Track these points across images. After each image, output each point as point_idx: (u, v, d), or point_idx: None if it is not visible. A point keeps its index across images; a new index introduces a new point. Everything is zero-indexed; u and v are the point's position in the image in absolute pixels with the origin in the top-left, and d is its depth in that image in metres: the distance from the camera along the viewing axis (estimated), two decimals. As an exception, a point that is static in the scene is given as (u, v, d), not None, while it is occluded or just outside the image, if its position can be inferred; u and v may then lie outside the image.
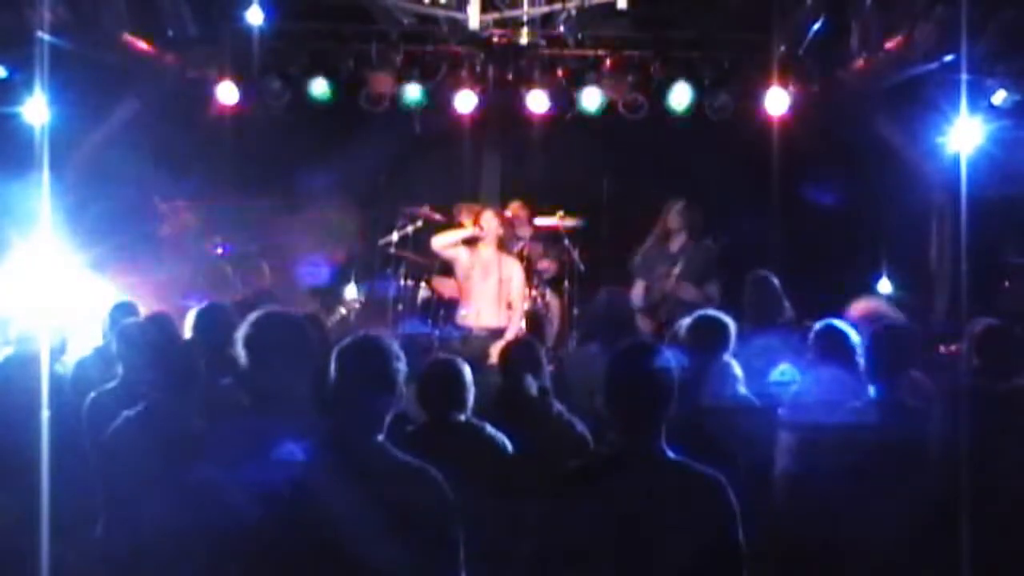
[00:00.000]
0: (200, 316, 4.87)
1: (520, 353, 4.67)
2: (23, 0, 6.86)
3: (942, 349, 6.23)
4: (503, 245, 7.91)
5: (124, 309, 5.53)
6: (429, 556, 2.95)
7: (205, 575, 3.75)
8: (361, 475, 2.96)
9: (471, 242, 7.79)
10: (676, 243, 7.98)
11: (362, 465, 2.99)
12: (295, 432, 3.67)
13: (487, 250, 7.75)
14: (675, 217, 7.95)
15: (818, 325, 4.67)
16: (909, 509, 3.92)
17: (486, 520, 3.33)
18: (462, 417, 4.04)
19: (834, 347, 4.53)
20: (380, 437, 3.04)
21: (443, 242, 7.88)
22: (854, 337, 4.51)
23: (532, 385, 4.48)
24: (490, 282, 7.69)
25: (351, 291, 9.21)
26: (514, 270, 7.81)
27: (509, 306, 7.76)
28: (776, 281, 6.01)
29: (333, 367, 3.06)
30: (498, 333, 7.51)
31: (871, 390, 4.32)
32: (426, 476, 3.03)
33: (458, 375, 4.09)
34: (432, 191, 9.11)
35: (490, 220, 7.76)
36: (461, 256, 7.80)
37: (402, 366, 3.10)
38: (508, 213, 8.97)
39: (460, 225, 8.16)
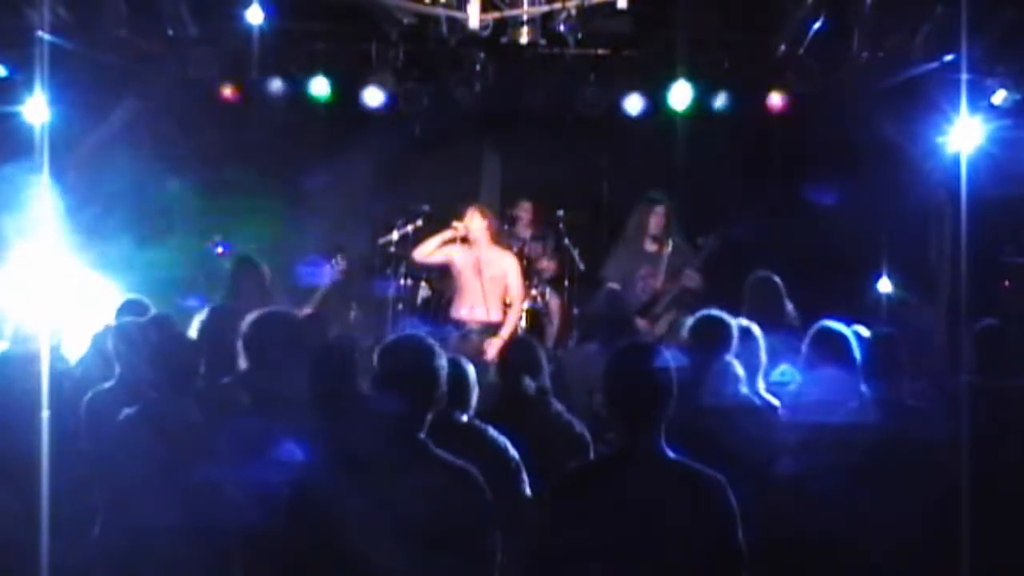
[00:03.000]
0: (208, 320, 4.89)
1: (519, 353, 4.66)
2: (23, 0, 6.86)
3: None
4: (496, 240, 7.87)
5: (132, 307, 5.48)
6: (466, 555, 2.97)
7: (204, 574, 3.75)
8: (403, 472, 2.99)
9: (463, 240, 7.78)
10: (652, 244, 7.97)
11: (405, 462, 3.02)
12: (295, 432, 3.68)
13: (478, 247, 7.74)
14: (657, 220, 7.94)
15: (814, 326, 4.68)
16: (908, 509, 3.92)
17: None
18: (464, 417, 4.04)
19: (830, 348, 4.53)
20: (422, 435, 3.07)
21: (425, 251, 7.87)
22: (850, 337, 4.51)
23: (531, 385, 4.47)
24: (483, 278, 7.66)
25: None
26: (508, 266, 7.77)
27: (506, 302, 7.76)
28: (779, 282, 6.01)
29: (376, 365, 3.11)
30: (493, 328, 7.51)
31: (869, 391, 4.32)
32: (469, 476, 3.06)
33: (462, 375, 4.08)
34: (432, 191, 9.10)
35: (473, 218, 7.75)
36: (454, 255, 7.80)
37: (444, 363, 3.15)
38: (519, 211, 9.01)
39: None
